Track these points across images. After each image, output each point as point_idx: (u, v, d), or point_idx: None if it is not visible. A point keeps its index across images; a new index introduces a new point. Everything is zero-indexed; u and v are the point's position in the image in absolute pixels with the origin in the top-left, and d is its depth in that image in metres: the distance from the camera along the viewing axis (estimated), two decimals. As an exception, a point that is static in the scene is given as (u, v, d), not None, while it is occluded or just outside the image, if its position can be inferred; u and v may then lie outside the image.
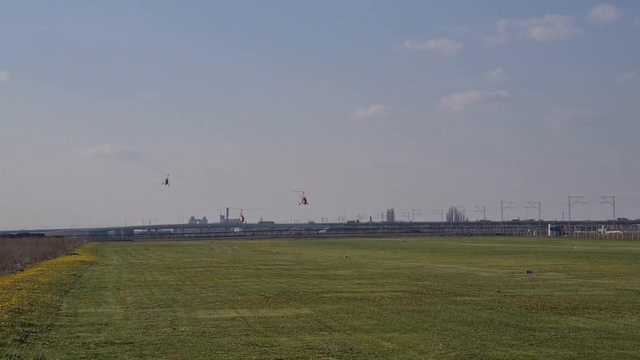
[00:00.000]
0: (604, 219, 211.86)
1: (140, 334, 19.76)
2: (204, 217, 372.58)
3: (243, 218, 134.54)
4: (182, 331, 20.32)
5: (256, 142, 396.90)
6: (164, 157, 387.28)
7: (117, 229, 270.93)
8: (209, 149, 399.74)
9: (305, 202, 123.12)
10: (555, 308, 25.01)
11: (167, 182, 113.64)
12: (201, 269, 51.08)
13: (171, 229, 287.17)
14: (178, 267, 55.06)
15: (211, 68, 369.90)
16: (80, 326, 21.59)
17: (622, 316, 22.92)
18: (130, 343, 18.29)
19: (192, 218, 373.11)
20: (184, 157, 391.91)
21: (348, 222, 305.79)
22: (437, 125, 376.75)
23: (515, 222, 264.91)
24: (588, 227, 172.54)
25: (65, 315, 24.35)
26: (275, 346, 17.57)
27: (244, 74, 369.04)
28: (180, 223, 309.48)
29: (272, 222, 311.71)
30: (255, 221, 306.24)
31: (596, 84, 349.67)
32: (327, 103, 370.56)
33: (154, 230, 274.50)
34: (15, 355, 15.91)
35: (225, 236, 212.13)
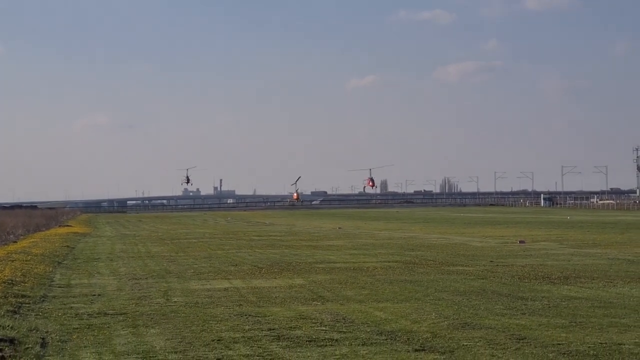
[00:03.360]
0: (597, 189, 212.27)
1: (134, 305, 19.79)
2: (198, 189, 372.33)
3: (298, 195, 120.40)
4: (175, 302, 20.36)
5: (250, 113, 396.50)
6: (158, 128, 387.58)
7: (111, 201, 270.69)
8: (203, 120, 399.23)
9: (373, 184, 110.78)
10: (547, 277, 25.11)
11: (188, 180, 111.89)
12: (194, 240, 51.13)
13: (164, 201, 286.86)
14: (171, 238, 55.10)
15: (205, 39, 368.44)
16: (74, 297, 21.63)
17: (614, 285, 23.02)
18: (124, 314, 18.32)
19: (186, 189, 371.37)
20: (177, 128, 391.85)
21: (425, 191, 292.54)
22: (431, 96, 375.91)
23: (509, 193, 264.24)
24: (581, 197, 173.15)
25: (59, 287, 24.37)
26: (268, 316, 17.61)
27: (237, 44, 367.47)
28: (174, 195, 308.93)
29: (325, 192, 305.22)
30: (308, 192, 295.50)
31: (591, 54, 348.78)
32: (321, 73, 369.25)
33: (147, 201, 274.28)
34: (8, 326, 15.90)
35: (218, 207, 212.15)
